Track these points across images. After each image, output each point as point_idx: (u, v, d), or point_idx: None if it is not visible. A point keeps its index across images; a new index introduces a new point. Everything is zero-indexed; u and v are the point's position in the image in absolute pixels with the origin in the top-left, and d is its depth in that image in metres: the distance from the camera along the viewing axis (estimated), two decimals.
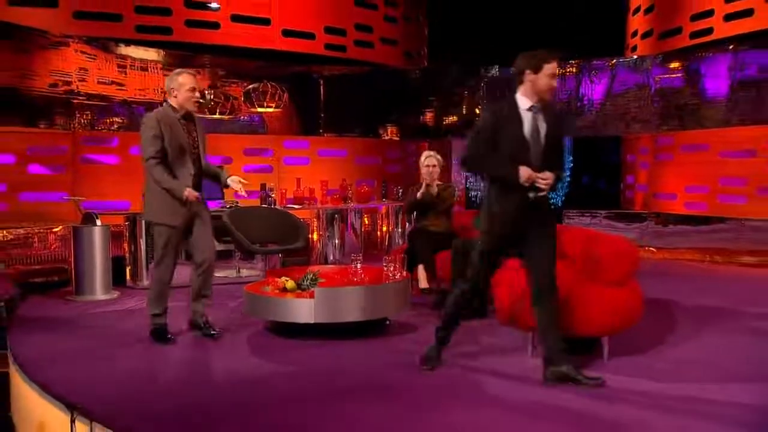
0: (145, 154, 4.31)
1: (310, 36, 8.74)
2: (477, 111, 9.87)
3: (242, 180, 4.64)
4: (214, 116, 8.40)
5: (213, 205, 6.99)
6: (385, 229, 9.05)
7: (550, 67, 3.53)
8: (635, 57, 9.63)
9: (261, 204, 7.51)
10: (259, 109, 8.68)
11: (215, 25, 8.02)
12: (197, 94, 4.48)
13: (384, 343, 4.50)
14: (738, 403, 3.22)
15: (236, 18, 8.14)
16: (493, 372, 3.78)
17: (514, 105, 3.57)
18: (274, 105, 8.72)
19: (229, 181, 4.58)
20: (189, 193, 4.27)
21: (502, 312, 4.16)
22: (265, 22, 8.33)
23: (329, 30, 8.92)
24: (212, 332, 4.55)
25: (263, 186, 7.77)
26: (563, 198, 11.13)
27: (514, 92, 3.62)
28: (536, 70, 3.53)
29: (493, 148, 3.56)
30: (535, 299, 3.65)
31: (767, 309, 5.37)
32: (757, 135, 8.01)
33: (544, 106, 3.57)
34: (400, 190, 8.01)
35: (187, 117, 4.45)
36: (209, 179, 4.68)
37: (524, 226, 3.57)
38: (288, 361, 4.14)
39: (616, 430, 2.94)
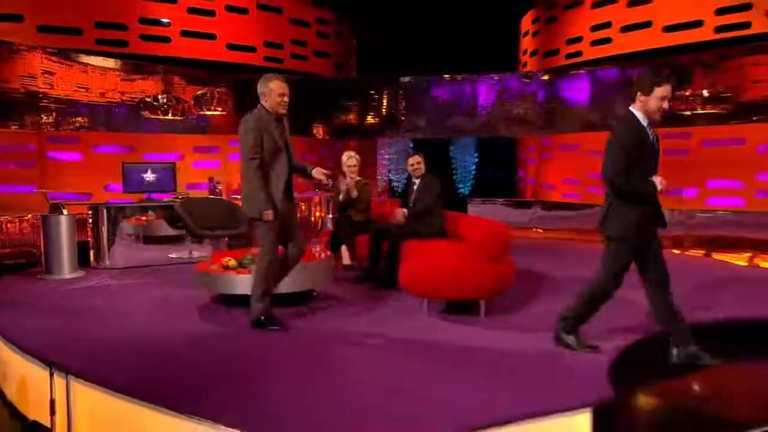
0: (246, 154, 4.06)
1: (251, 49, 8.76)
2: (393, 112, 10.15)
3: (324, 171, 4.39)
4: (167, 117, 8.46)
5: (166, 196, 7.14)
6: (318, 215, 9.24)
7: (661, 90, 3.36)
8: (525, 71, 10.19)
9: (209, 195, 7.68)
10: (207, 113, 8.75)
11: (167, 39, 8.01)
12: (286, 99, 4.15)
13: (311, 309, 4.77)
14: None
15: (185, 33, 8.12)
16: (395, 323, 4.22)
17: (637, 120, 3.43)
18: (220, 109, 8.82)
19: (313, 172, 4.34)
20: (267, 215, 4.03)
21: (405, 283, 4.57)
22: (211, 36, 8.35)
23: (268, 44, 8.97)
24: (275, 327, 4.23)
25: (211, 179, 7.90)
26: (470, 189, 11.70)
27: (628, 106, 3.48)
28: (648, 92, 3.39)
29: (636, 160, 3.38)
30: (660, 291, 3.63)
31: (627, 279, 5.77)
32: None
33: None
34: (330, 182, 8.26)
35: (279, 119, 4.18)
36: (298, 174, 4.41)
37: (653, 232, 3.57)
38: (230, 325, 4.36)
39: (485, 363, 3.43)
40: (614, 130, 3.51)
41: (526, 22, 10.48)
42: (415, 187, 5.70)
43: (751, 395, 3.50)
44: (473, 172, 11.66)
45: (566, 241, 8.67)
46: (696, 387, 3.57)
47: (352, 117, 9.97)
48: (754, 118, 7.32)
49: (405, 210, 5.72)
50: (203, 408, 2.84)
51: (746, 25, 7.04)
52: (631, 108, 3.46)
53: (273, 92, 4.08)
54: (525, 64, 10.48)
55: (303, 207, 9.36)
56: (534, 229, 9.37)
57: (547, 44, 9.70)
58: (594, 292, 3.66)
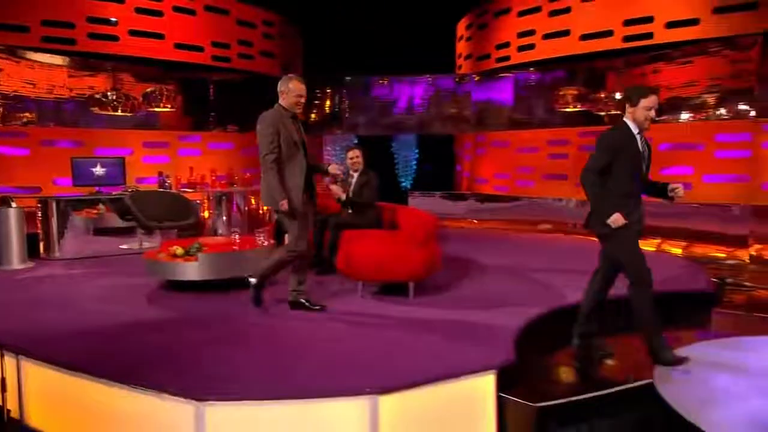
0: (263, 150, 4.08)
1: (199, 49, 8.71)
2: (337, 110, 10.29)
3: (340, 167, 4.53)
4: (117, 113, 8.37)
5: (116, 190, 7.14)
6: (266, 208, 9.36)
7: (646, 101, 3.50)
8: (459, 74, 10.51)
9: (158, 188, 7.71)
10: (156, 109, 8.70)
11: (115, 38, 7.90)
12: (303, 100, 4.25)
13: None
14: (495, 324, 3.87)
15: (133, 32, 8.00)
16: (332, 303, 4.42)
17: (627, 128, 3.56)
18: (169, 105, 8.78)
19: (329, 168, 4.43)
20: (282, 205, 4.08)
21: (342, 268, 4.82)
22: (160, 36, 8.27)
23: (215, 44, 8.93)
24: (316, 307, 4.34)
25: (160, 173, 7.92)
26: (410, 183, 11.99)
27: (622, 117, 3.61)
28: (634, 104, 3.53)
29: (613, 163, 3.50)
30: (603, 284, 3.86)
31: (545, 264, 6.03)
32: (537, 137, 9.09)
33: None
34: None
35: (294, 117, 4.25)
36: (314, 171, 4.44)
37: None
38: (176, 308, 4.48)
39: (407, 336, 3.70)
40: (604, 133, 3.66)
41: (461, 28, 10.79)
42: (353, 180, 5.85)
43: (626, 358, 3.90)
44: (414, 167, 11.96)
45: (498, 231, 8.99)
46: (585, 353, 3.95)
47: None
48: (657, 119, 7.85)
49: (340, 188, 5.74)
50: (148, 380, 3.01)
51: (649, 35, 7.56)
52: (624, 118, 3.60)
53: (291, 92, 4.18)
54: (460, 67, 10.80)
55: (253, 201, 9.42)
56: (469, 220, 9.68)
57: (479, 49, 9.98)
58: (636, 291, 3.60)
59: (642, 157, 3.59)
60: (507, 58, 9.28)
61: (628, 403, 3.32)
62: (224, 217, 8.37)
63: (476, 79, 9.77)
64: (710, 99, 7.51)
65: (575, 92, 8.68)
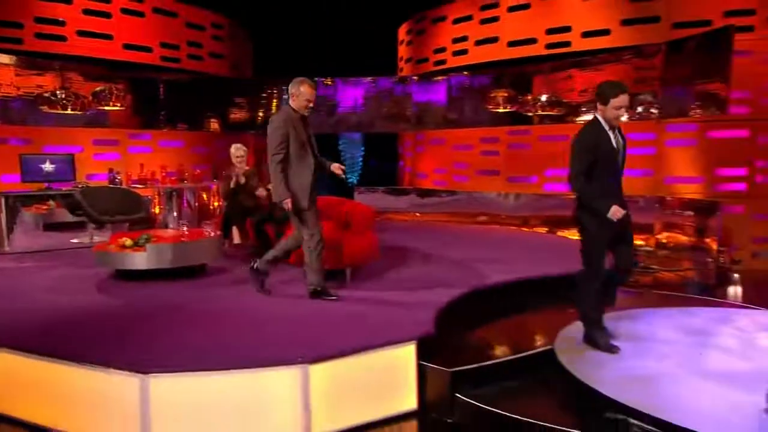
0: (271, 150, 4.12)
1: (147, 49, 8.66)
2: (273, 110, 10.31)
3: (341, 167, 4.47)
4: (66, 112, 8.26)
5: (66, 186, 7.09)
6: (216, 204, 9.33)
7: (617, 101, 3.40)
8: (401, 76, 10.78)
9: (109, 184, 7.67)
10: (106, 108, 8.60)
11: (63, 38, 7.82)
12: (311, 105, 4.25)
13: (202, 279, 5.11)
14: (421, 302, 4.19)
15: (81, 33, 7.91)
16: (274, 288, 4.61)
17: (599, 125, 3.48)
18: (119, 104, 8.69)
19: (332, 168, 4.43)
20: (286, 204, 4.12)
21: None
22: (108, 37, 8.19)
23: (164, 45, 8.89)
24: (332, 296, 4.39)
25: (111, 170, 7.88)
26: (358, 178, 12.22)
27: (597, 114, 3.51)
28: (605, 102, 3.44)
29: (593, 160, 3.44)
30: (620, 281, 3.80)
31: (475, 252, 6.24)
32: (470, 135, 9.45)
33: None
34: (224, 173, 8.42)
35: (304, 118, 4.26)
36: (318, 168, 4.43)
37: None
38: (126, 295, 4.58)
39: (340, 313, 3.95)
40: (579, 132, 3.57)
41: (402, 33, 11.08)
42: None
43: (537, 329, 4.28)
44: (360, 164, 12.21)
45: (438, 223, 9.29)
46: (497, 329, 4.31)
47: (246, 114, 10.03)
48: (576, 119, 8.39)
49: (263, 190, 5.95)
50: (96, 357, 3.15)
51: (568, 44, 8.05)
52: (596, 114, 3.53)
53: (302, 95, 4.18)
54: (401, 69, 11.08)
55: (205, 197, 9.44)
56: (412, 214, 9.94)
57: (418, 52, 10.30)
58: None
59: (616, 152, 3.50)
60: (443, 62, 9.63)
61: (533, 367, 3.67)
62: (174, 213, 8.36)
63: (416, 80, 10.08)
64: None
65: (505, 94, 9.09)
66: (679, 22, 7.35)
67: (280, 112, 4.25)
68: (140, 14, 8.62)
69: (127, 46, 8.50)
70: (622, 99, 3.43)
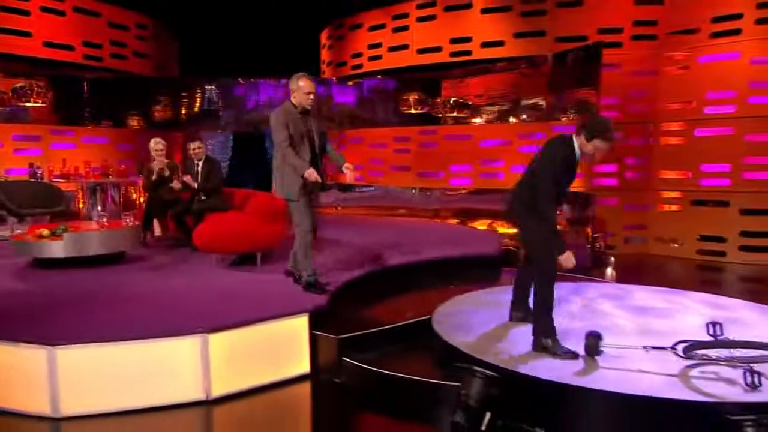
0: (277, 139, 4.10)
1: (69, 48, 8.52)
2: (213, 108, 10.39)
3: (351, 168, 4.38)
4: None
5: None
6: (142, 200, 9.31)
7: (602, 146, 3.29)
8: (322, 78, 10.94)
9: (29, 178, 7.54)
10: (27, 104, 8.41)
11: None
12: (312, 96, 4.19)
13: (120, 266, 5.21)
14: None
15: None
16: (189, 272, 4.83)
17: (573, 148, 3.37)
18: (40, 101, 8.52)
19: (343, 168, 4.37)
20: (309, 173, 4.07)
21: (198, 244, 5.22)
22: (27, 34, 8.00)
23: (87, 44, 8.76)
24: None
25: (31, 164, 7.76)
26: None
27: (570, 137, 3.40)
28: (588, 139, 3.30)
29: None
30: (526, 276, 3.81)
31: (381, 239, 6.59)
32: (385, 134, 9.82)
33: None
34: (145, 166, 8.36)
35: (304, 112, 4.21)
36: (330, 163, 4.50)
37: None
38: (42, 281, 4.64)
39: (245, 292, 4.23)
40: (553, 148, 3.44)
41: (324, 37, 11.35)
42: (198, 168, 6.10)
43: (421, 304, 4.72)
44: None
45: (357, 216, 9.57)
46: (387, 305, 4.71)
47: (170, 112, 9.98)
48: (478, 121, 8.99)
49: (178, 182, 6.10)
50: (5, 333, 3.30)
51: (469, 52, 8.63)
52: (574, 136, 3.38)
53: (301, 89, 4.14)
54: (324, 72, 11.35)
55: (133, 193, 9.33)
56: (334, 207, 10.22)
57: (338, 57, 10.59)
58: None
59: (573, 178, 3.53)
60: (360, 66, 10.00)
61: (413, 334, 4.08)
62: (99, 207, 8.27)
63: (336, 82, 10.39)
64: (506, 105, 8.77)
65: (416, 97, 9.59)
66: (561, 36, 8.06)
67: (278, 108, 4.21)
68: (60, 13, 8.46)
69: (48, 44, 8.31)
70: (606, 148, 3.31)
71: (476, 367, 3.12)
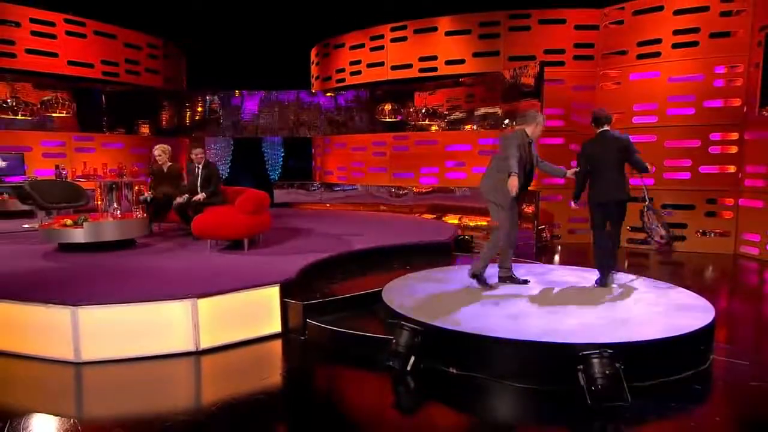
0: (507, 153, 4.21)
1: (90, 65, 9.05)
2: (216, 117, 10.96)
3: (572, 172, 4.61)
4: (17, 117, 8.58)
5: (16, 179, 7.47)
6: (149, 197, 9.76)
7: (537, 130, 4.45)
8: (311, 90, 11.50)
9: (56, 178, 8.07)
10: (54, 114, 8.97)
11: (13, 55, 8.15)
12: (541, 130, 4.49)
13: (131, 250, 5.74)
14: (294, 261, 5.02)
15: (30, 51, 8.26)
16: (186, 255, 5.40)
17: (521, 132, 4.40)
18: (65, 111, 9.07)
19: (568, 173, 4.64)
20: (513, 188, 4.18)
21: (195, 231, 5.76)
22: (54, 54, 8.57)
23: (105, 62, 9.29)
24: (522, 280, 4.76)
25: (57, 166, 8.27)
26: (278, 176, 12.88)
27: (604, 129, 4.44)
28: (599, 125, 4.48)
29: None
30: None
31: (355, 229, 7.05)
32: (364, 139, 10.32)
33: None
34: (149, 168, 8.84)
35: (530, 143, 4.46)
36: (554, 175, 4.84)
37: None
38: (66, 261, 5.18)
39: (228, 270, 4.76)
40: (510, 134, 4.41)
41: (313, 54, 11.89)
42: (198, 171, 6.57)
43: (380, 280, 5.28)
44: (281, 163, 12.94)
45: (340, 211, 10.07)
46: (350, 282, 5.26)
47: (176, 120, 10.45)
48: (443, 126, 9.57)
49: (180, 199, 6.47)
50: (38, 297, 3.89)
51: (435, 69, 9.22)
52: (600, 131, 4.47)
53: (540, 125, 4.44)
54: (313, 85, 11.90)
55: (146, 192, 9.80)
56: (322, 204, 10.75)
57: (324, 71, 11.11)
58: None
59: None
60: (343, 80, 10.54)
61: (366, 302, 4.65)
62: (114, 203, 8.78)
63: (323, 93, 10.96)
64: (466, 114, 9.34)
65: (390, 107, 10.16)
66: (513, 56, 8.65)
67: (515, 133, 4.41)
68: (83, 36, 9.03)
69: (72, 63, 8.86)
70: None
71: (404, 322, 3.72)
